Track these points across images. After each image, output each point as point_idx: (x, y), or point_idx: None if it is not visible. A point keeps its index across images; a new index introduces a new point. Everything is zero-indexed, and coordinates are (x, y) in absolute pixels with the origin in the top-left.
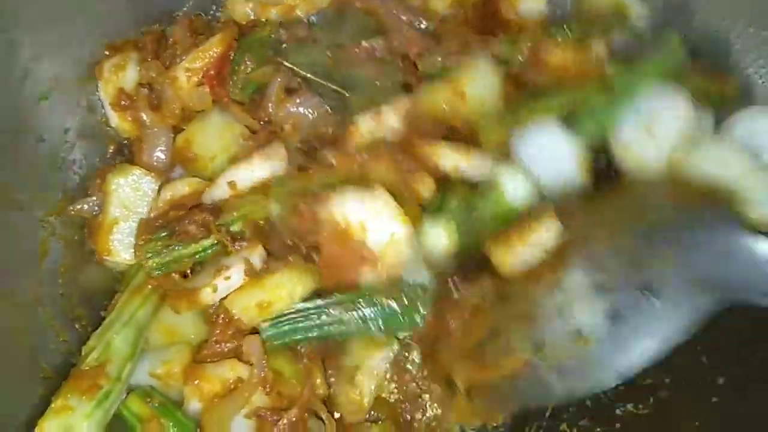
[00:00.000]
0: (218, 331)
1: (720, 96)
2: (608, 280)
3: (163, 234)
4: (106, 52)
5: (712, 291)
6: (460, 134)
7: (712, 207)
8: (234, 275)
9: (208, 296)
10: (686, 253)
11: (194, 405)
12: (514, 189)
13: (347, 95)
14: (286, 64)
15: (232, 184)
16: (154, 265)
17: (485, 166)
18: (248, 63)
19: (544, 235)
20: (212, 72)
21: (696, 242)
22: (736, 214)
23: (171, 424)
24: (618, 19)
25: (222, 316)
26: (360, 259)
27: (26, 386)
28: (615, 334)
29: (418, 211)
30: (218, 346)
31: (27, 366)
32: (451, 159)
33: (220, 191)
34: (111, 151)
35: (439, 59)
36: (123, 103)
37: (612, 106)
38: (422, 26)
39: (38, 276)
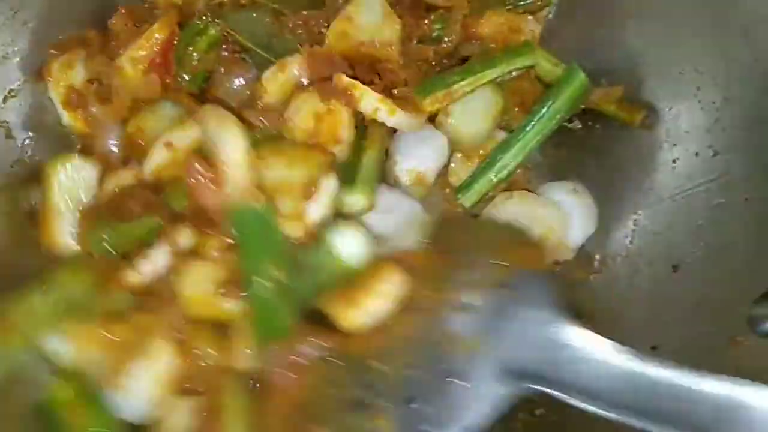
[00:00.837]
0: None
1: (628, 123)
2: (414, 360)
3: (107, 217)
4: (52, 52)
5: (519, 378)
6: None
7: (528, 285)
8: (159, 257)
9: (133, 278)
10: (498, 338)
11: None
12: (348, 248)
13: None
14: (230, 32)
15: (168, 145)
16: (101, 250)
17: (412, 122)
18: (194, 53)
19: (390, 289)
20: (158, 60)
21: (510, 328)
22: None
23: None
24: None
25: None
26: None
27: None
28: (410, 419)
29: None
30: None
31: None
32: (371, 96)
33: (158, 156)
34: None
35: None
36: (73, 100)
37: None
38: None
39: None
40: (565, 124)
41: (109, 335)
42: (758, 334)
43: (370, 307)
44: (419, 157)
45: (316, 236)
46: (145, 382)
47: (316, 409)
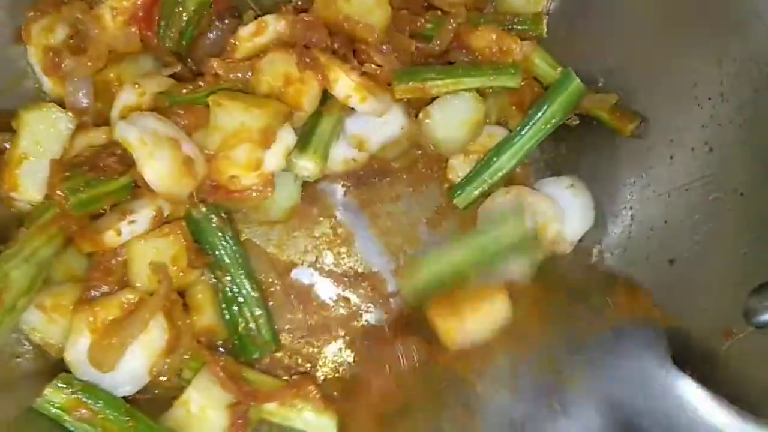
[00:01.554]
0: (97, 275)
1: (619, 131)
2: (523, 388)
3: (83, 169)
4: (30, 14)
5: (618, 413)
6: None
7: (637, 331)
8: (140, 220)
9: (111, 239)
10: (603, 376)
11: (82, 341)
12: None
13: None
14: None
15: (138, 87)
16: (74, 202)
17: (380, 108)
18: (183, 13)
19: (495, 314)
20: (140, 13)
21: (616, 367)
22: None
23: (100, 403)
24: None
25: (113, 261)
26: None
27: None
28: None
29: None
30: (93, 290)
31: None
32: (346, 83)
33: (126, 96)
34: None
35: None
36: (51, 61)
37: None
38: None
39: None
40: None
41: (97, 316)
42: (753, 325)
43: (472, 325)
44: (367, 125)
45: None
46: (142, 358)
47: (410, 415)
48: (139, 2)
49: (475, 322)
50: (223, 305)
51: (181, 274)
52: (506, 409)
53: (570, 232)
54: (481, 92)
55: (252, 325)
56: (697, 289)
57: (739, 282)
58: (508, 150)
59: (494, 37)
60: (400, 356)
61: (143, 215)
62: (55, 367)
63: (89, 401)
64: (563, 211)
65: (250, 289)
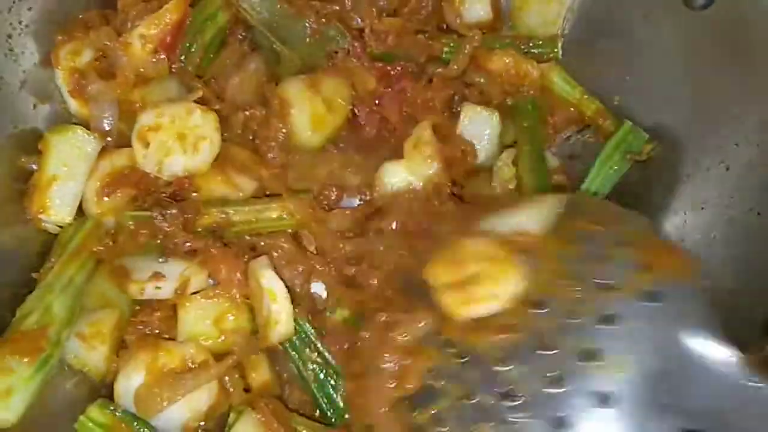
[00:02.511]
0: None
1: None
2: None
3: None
4: (60, 38)
5: (674, 419)
6: None
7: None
8: (165, 288)
9: (134, 291)
10: (640, 349)
11: (136, 377)
12: None
13: (283, 53)
14: (240, 7)
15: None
16: (128, 217)
17: None
18: (203, 37)
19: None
20: (168, 40)
21: (653, 338)
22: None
23: (140, 428)
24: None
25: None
26: None
27: None
28: None
29: None
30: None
31: None
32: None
33: (147, 118)
34: None
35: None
36: (77, 83)
37: None
38: (381, 2)
39: None
40: (579, 136)
41: (158, 360)
42: None
43: (478, 298)
44: None
45: None
46: (182, 412)
47: (429, 400)
48: (168, 29)
49: (479, 294)
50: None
51: (222, 338)
52: (547, 402)
53: None
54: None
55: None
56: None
57: (758, 299)
58: None
59: (510, 60)
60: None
61: (169, 284)
62: (94, 392)
63: (129, 424)
64: None
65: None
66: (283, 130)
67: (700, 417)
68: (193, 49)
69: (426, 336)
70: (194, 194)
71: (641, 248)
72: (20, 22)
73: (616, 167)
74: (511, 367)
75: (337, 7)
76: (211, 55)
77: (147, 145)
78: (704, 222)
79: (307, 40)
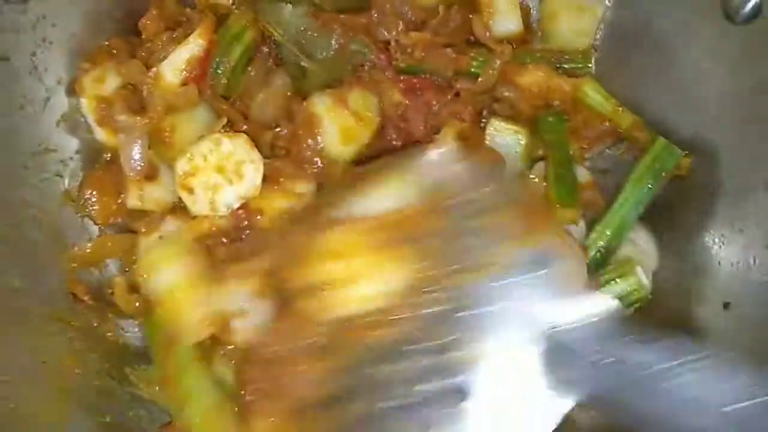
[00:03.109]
0: None
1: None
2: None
3: None
4: (84, 66)
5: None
6: None
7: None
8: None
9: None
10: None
11: None
12: None
13: (309, 67)
14: (266, 24)
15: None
16: None
17: None
18: (230, 60)
19: None
20: (197, 69)
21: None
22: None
23: None
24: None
25: None
26: None
27: None
28: None
29: None
30: None
31: None
32: None
33: (183, 167)
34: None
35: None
36: (104, 112)
37: None
38: (409, 15)
39: None
40: (608, 150)
41: None
42: None
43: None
44: None
45: None
46: None
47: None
48: (196, 60)
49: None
50: None
51: None
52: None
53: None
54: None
55: None
56: (752, 335)
57: None
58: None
59: (542, 75)
60: None
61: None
62: None
63: None
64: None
65: None
66: (314, 145)
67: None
68: (220, 71)
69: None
70: (259, 218)
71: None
72: (44, 39)
73: (649, 186)
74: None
75: (364, 20)
76: (238, 75)
77: (192, 191)
78: (742, 245)
79: (334, 54)
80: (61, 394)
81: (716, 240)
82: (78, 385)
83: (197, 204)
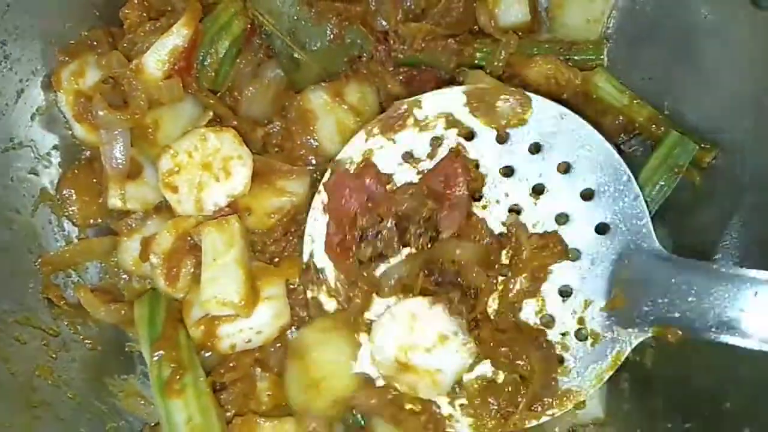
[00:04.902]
0: None
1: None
2: None
3: None
4: (61, 59)
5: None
6: None
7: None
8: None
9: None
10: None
11: None
12: None
13: (302, 59)
14: (257, 13)
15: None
16: None
17: None
18: (218, 50)
19: None
20: (182, 61)
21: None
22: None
23: None
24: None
25: None
26: None
27: None
28: None
29: None
30: None
31: None
32: None
33: (166, 163)
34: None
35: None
36: (82, 107)
37: None
38: (408, 3)
39: None
40: (622, 147)
41: None
42: None
43: None
44: None
45: None
46: None
47: None
48: (180, 50)
49: None
50: None
51: None
52: None
53: None
54: None
55: None
56: None
57: None
58: None
59: (551, 68)
60: None
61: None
62: None
63: None
64: None
65: None
66: (309, 142)
67: None
68: (206, 63)
69: None
70: (249, 216)
71: None
72: (16, 27)
73: (662, 183)
74: None
75: (360, 9)
76: (227, 68)
77: (176, 190)
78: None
79: (329, 45)
80: (31, 408)
81: (735, 241)
82: (51, 398)
83: (182, 203)
